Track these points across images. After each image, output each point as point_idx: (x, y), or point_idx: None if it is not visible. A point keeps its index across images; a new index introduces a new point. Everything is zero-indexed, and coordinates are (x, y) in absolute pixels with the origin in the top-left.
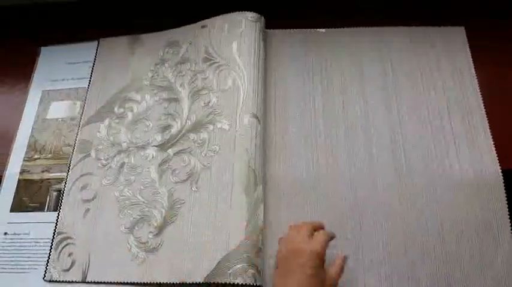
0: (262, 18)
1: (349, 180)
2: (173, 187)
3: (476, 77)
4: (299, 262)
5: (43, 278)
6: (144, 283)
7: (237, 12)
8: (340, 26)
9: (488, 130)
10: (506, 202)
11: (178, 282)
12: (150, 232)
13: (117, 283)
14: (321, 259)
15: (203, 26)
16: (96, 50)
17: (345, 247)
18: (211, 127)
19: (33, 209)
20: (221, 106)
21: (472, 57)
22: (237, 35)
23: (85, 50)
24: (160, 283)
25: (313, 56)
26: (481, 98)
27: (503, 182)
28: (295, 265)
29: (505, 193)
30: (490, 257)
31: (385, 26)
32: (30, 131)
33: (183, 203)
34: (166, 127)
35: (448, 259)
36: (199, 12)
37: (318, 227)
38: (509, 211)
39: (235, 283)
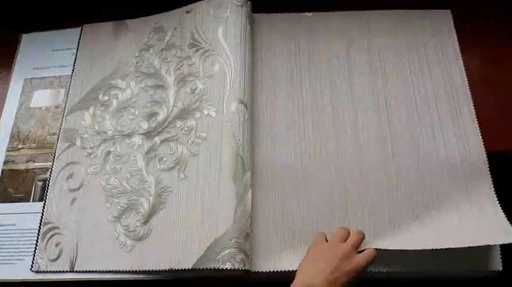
0: (249, 2)
1: (337, 166)
2: (160, 174)
3: (462, 60)
4: (343, 264)
5: (30, 268)
6: (132, 271)
7: None
8: (327, 9)
9: (474, 114)
10: (492, 184)
11: (167, 269)
12: (138, 220)
13: (106, 272)
14: (359, 273)
15: (188, 11)
16: (80, 36)
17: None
18: (198, 114)
19: (19, 200)
20: (208, 93)
21: (458, 41)
22: (222, 20)
23: (68, 37)
24: (149, 270)
25: (300, 40)
26: (467, 82)
27: (488, 165)
28: (343, 266)
29: (490, 175)
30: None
31: (372, 9)
32: (13, 120)
33: (171, 190)
34: (153, 115)
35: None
36: None
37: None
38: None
39: (224, 268)
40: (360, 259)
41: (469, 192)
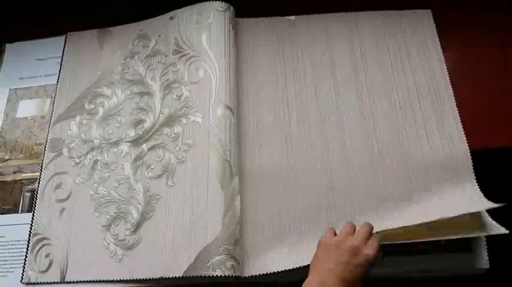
0: (231, 7)
1: (324, 167)
2: (148, 182)
3: (443, 59)
4: (353, 259)
5: (20, 280)
6: (123, 280)
7: (205, 2)
8: (310, 13)
9: (457, 112)
10: (476, 181)
11: (157, 277)
12: (127, 229)
13: (97, 282)
14: (370, 262)
15: (171, 17)
16: (64, 44)
17: (322, 233)
18: (184, 120)
19: (7, 211)
20: (193, 99)
21: (439, 40)
22: (206, 26)
23: (52, 46)
24: (139, 279)
25: (283, 44)
26: (449, 80)
27: (472, 163)
28: (351, 262)
29: (474, 173)
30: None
31: (354, 11)
32: None
33: (159, 198)
34: (139, 122)
35: None
36: (167, 1)
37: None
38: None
39: (215, 275)
40: (368, 251)
41: (454, 189)
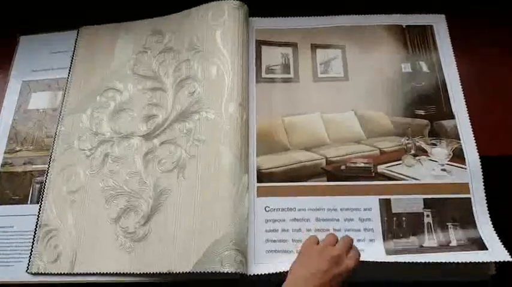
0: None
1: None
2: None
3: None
4: (333, 268)
5: (26, 270)
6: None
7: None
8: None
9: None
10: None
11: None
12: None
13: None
14: (348, 276)
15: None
16: (76, 38)
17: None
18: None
19: (17, 202)
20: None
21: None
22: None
23: (66, 39)
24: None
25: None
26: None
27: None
28: (330, 272)
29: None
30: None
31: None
32: (11, 122)
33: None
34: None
35: None
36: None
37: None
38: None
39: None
40: (349, 262)
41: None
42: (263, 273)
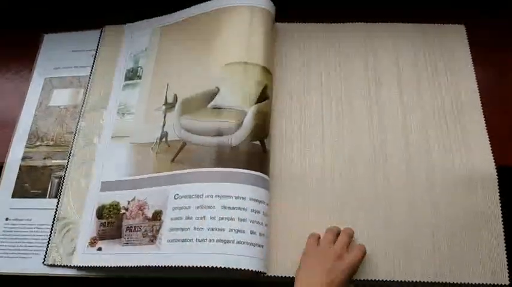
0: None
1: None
2: None
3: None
4: (337, 265)
5: (42, 262)
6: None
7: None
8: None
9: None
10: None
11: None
12: None
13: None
14: (354, 270)
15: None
16: (99, 37)
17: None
18: None
19: (35, 196)
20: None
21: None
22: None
23: (88, 38)
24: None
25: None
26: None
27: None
28: (333, 266)
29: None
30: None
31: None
32: (33, 118)
33: None
34: None
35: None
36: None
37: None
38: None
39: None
40: (352, 257)
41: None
42: (283, 276)
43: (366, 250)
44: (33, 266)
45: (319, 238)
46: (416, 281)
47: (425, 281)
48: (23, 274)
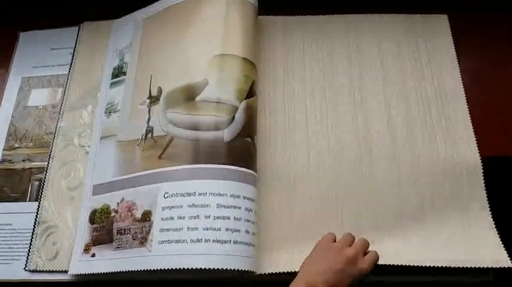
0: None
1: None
2: None
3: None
4: (347, 269)
5: (24, 268)
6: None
7: None
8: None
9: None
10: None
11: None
12: None
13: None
14: (362, 276)
15: None
16: (77, 34)
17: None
18: None
19: (15, 200)
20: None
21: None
22: None
23: (66, 36)
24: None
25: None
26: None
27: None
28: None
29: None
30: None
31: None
32: (10, 119)
33: None
34: None
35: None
36: None
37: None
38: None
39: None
40: (364, 265)
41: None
42: (273, 272)
43: (377, 260)
44: (14, 272)
45: (335, 240)
46: (403, 265)
47: (415, 265)
48: (3, 281)
